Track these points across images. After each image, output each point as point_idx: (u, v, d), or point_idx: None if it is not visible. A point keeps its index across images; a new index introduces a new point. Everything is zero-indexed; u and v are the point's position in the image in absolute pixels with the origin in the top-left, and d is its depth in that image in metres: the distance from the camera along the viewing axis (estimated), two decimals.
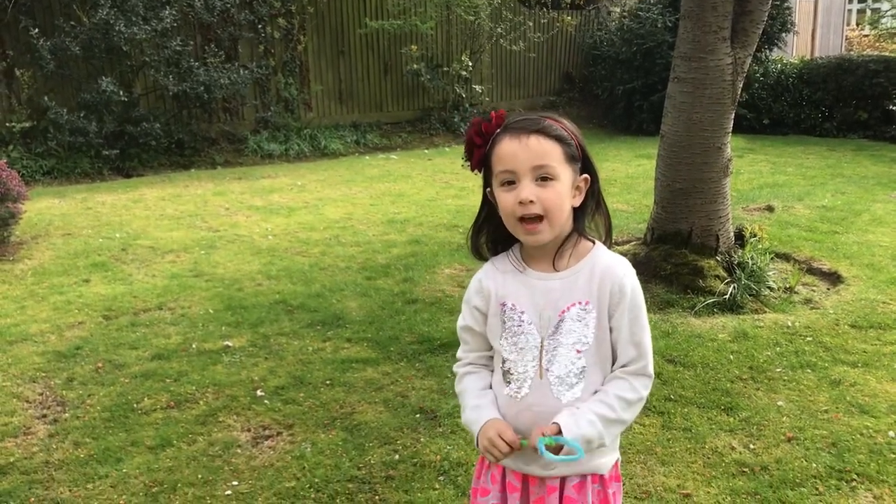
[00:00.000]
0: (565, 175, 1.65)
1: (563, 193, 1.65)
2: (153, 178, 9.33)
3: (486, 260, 1.82)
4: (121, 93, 9.23)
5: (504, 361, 1.76)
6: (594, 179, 1.73)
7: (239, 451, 3.17)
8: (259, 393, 3.66)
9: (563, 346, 1.70)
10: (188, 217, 7.15)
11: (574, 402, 1.69)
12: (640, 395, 1.70)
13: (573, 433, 1.61)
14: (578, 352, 1.70)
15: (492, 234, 1.80)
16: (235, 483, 2.95)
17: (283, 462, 3.08)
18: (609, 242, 1.79)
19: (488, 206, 1.77)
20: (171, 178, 9.23)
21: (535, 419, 1.69)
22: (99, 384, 3.76)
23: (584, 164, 1.71)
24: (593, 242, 1.75)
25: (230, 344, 4.23)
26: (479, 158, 1.71)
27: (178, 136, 10.18)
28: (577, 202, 1.71)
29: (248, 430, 3.34)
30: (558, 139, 1.65)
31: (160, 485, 2.94)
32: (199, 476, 2.99)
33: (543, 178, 1.63)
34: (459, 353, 1.90)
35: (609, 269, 1.70)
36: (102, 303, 4.87)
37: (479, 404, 1.77)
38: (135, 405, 3.56)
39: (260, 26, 10.97)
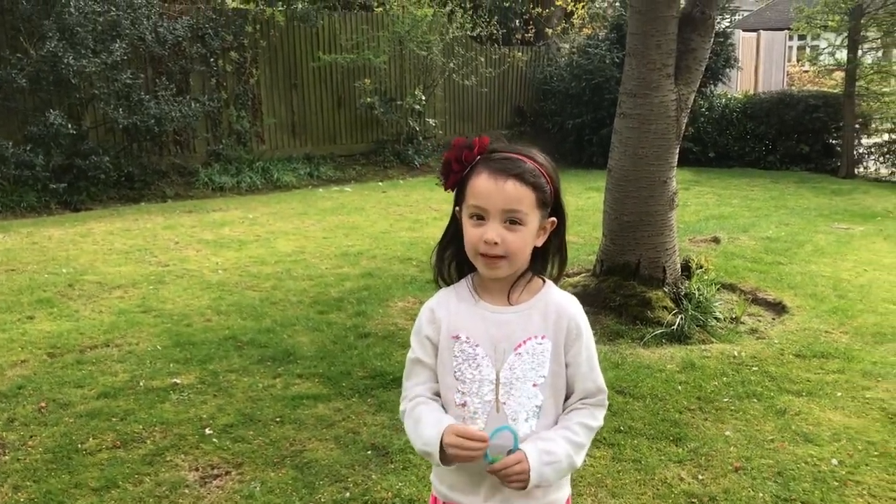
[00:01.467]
0: (533, 220, 1.68)
1: (528, 238, 1.68)
2: (102, 211, 9.19)
3: (447, 284, 1.81)
4: (69, 126, 9.10)
5: (458, 394, 1.74)
6: (561, 223, 1.76)
7: (186, 491, 3.11)
8: (207, 431, 3.60)
9: (519, 379, 1.71)
10: (137, 251, 7.05)
11: (529, 436, 1.70)
12: (598, 422, 1.76)
13: (536, 466, 1.61)
14: (535, 385, 1.71)
15: (456, 255, 1.80)
16: None
17: (232, 502, 3.03)
18: (559, 281, 1.82)
19: (456, 225, 1.78)
20: (120, 212, 9.09)
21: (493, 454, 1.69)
22: (42, 424, 3.67)
23: (554, 206, 1.73)
24: (544, 280, 1.78)
25: (178, 381, 4.16)
26: (455, 182, 1.72)
27: (127, 170, 10.06)
28: (540, 242, 1.73)
29: (196, 470, 3.28)
30: (534, 186, 1.66)
31: None
32: None
33: (512, 221, 1.65)
34: (406, 390, 1.82)
35: (564, 306, 1.74)
36: (47, 340, 4.76)
37: (440, 419, 1.69)
38: (79, 446, 3.47)
39: (212, 59, 10.95)
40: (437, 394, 1.80)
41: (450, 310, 1.76)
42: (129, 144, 10.21)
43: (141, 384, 4.12)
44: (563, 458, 1.66)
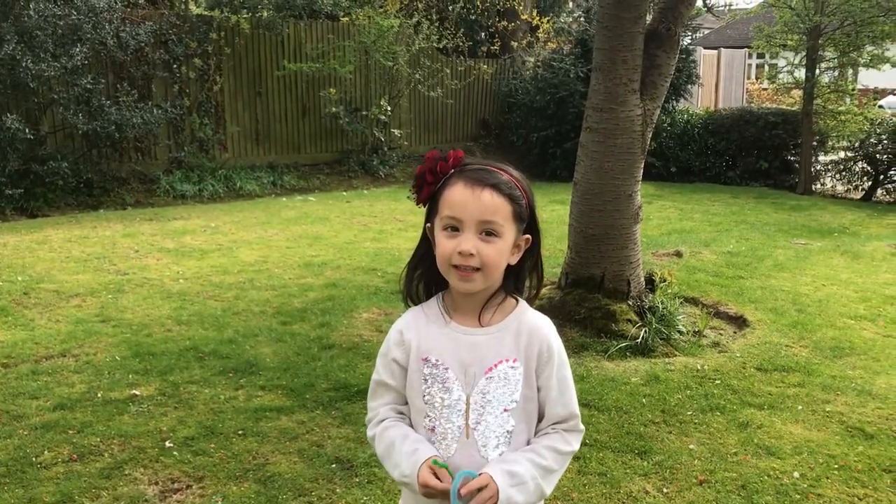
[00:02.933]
0: (509, 234, 1.65)
1: (503, 251, 1.64)
2: (59, 218, 9.00)
3: (416, 303, 1.77)
4: (26, 130, 8.89)
5: (427, 419, 1.70)
6: (536, 241, 1.73)
7: None
8: (168, 444, 3.53)
9: (490, 404, 1.67)
10: (95, 259, 6.91)
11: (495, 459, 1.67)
12: (572, 447, 1.72)
13: (503, 488, 1.58)
14: (506, 410, 1.68)
15: (426, 274, 1.76)
16: None
17: None
18: (534, 302, 1.79)
19: (427, 244, 1.74)
20: (78, 219, 8.92)
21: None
22: None
23: (529, 223, 1.70)
24: (517, 300, 1.75)
25: (137, 393, 4.08)
26: (428, 195, 1.69)
27: (87, 176, 9.87)
28: (514, 260, 1.70)
29: (156, 484, 3.21)
30: (511, 198, 1.64)
31: None
32: None
33: (488, 232, 1.62)
34: (370, 411, 1.78)
35: (536, 328, 1.71)
36: (1, 350, 4.63)
37: (417, 448, 1.66)
38: (34, 459, 3.37)
39: (175, 66, 10.82)
40: (403, 412, 1.76)
41: (419, 331, 1.72)
42: (89, 150, 10.02)
43: (99, 396, 4.03)
44: (529, 479, 1.63)
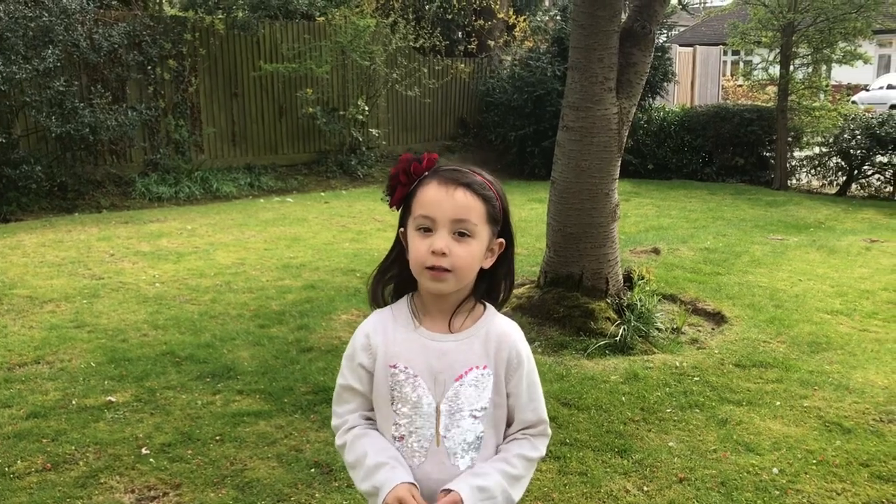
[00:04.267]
0: (483, 235, 1.63)
1: (477, 254, 1.62)
2: (33, 222, 8.88)
3: (380, 306, 1.74)
4: None
5: (396, 427, 1.67)
6: (509, 245, 1.71)
7: None
8: (144, 451, 3.48)
9: (461, 411, 1.66)
10: (70, 264, 6.83)
11: (464, 471, 1.66)
12: (540, 453, 1.72)
13: (468, 496, 1.58)
14: (475, 417, 1.66)
15: (397, 277, 1.73)
16: None
17: None
18: (502, 307, 1.77)
19: (399, 248, 1.72)
20: (52, 223, 8.80)
21: (433, 487, 1.64)
22: None
23: (503, 227, 1.68)
24: (485, 306, 1.73)
25: (113, 399, 4.02)
26: (401, 197, 1.67)
27: (60, 179, 9.76)
28: (488, 264, 1.68)
29: (132, 492, 3.17)
30: (484, 198, 1.62)
31: None
32: None
33: (461, 233, 1.60)
34: (337, 417, 1.75)
35: (505, 334, 1.69)
36: None
37: (392, 465, 1.63)
38: (6, 469, 3.31)
39: (149, 67, 10.72)
40: (370, 419, 1.74)
41: (387, 336, 1.69)
42: (63, 153, 9.90)
43: (73, 403, 3.97)
44: (499, 493, 1.63)
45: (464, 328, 1.68)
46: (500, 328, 1.70)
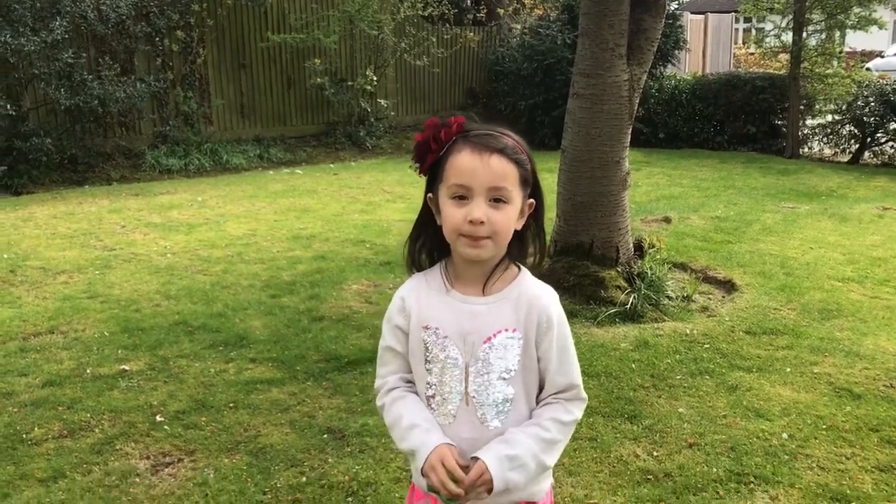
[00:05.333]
0: (517, 199, 1.62)
1: (513, 217, 1.62)
2: (44, 195, 8.92)
3: (420, 270, 1.75)
4: (8, 107, 8.78)
5: (428, 386, 1.70)
6: (539, 205, 1.71)
7: (137, 479, 3.04)
8: (158, 418, 3.52)
9: (489, 372, 1.66)
10: (82, 236, 6.86)
11: (500, 429, 1.67)
12: (574, 416, 1.71)
13: (499, 475, 1.59)
14: (504, 379, 1.67)
15: (428, 243, 1.74)
16: None
17: (185, 490, 2.97)
18: (540, 268, 1.77)
19: (428, 213, 1.71)
20: (63, 196, 8.84)
21: (464, 447, 1.66)
22: None
23: (533, 187, 1.68)
24: (519, 268, 1.73)
25: (127, 368, 4.07)
26: (431, 164, 1.65)
27: (70, 152, 9.78)
28: (520, 225, 1.67)
29: (147, 458, 3.21)
30: (517, 162, 1.61)
31: None
32: None
33: (497, 199, 1.59)
34: (380, 378, 1.79)
35: (536, 298, 1.68)
36: None
37: (427, 427, 1.66)
38: (24, 436, 3.36)
39: (157, 39, 10.67)
40: (411, 381, 1.77)
41: (420, 299, 1.71)
42: (72, 126, 9.91)
43: (88, 371, 4.02)
44: (530, 459, 1.63)
45: (495, 291, 1.69)
46: (532, 291, 1.69)
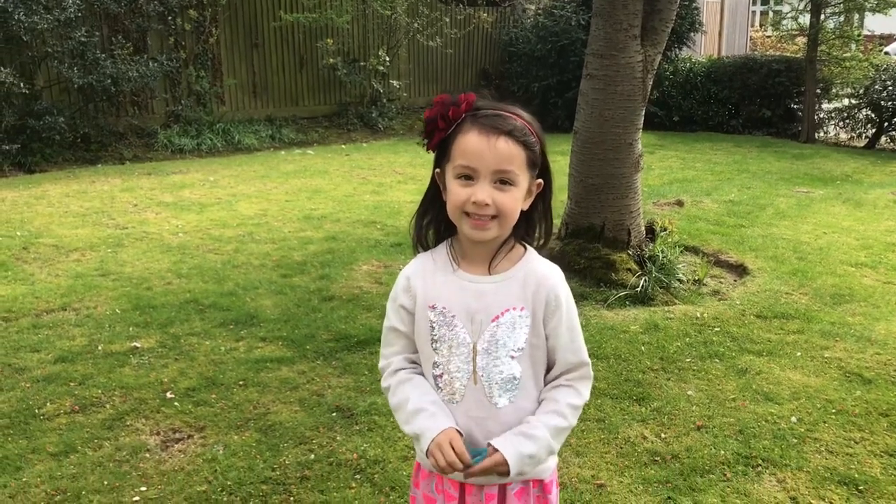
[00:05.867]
0: (523, 181, 1.61)
1: (518, 199, 1.61)
2: (57, 173, 8.96)
3: (425, 249, 1.75)
4: (21, 85, 8.79)
5: (435, 366, 1.70)
6: (547, 185, 1.69)
7: (147, 455, 3.07)
8: (169, 395, 3.55)
9: (497, 351, 1.66)
10: (94, 214, 6.89)
11: (508, 408, 1.68)
12: (585, 398, 1.72)
13: (516, 466, 1.60)
14: (512, 357, 1.67)
15: (435, 220, 1.73)
16: (144, 488, 2.85)
17: (194, 465, 2.99)
18: (544, 249, 1.76)
19: (436, 189, 1.70)
20: (76, 174, 8.87)
21: (472, 425, 1.67)
22: None
23: (541, 167, 1.66)
24: (525, 248, 1.72)
25: (138, 345, 4.09)
26: (438, 142, 1.64)
27: (83, 131, 9.80)
28: (527, 205, 1.66)
29: (158, 434, 3.24)
30: (525, 144, 1.59)
31: (63, 493, 2.81)
32: (106, 483, 2.88)
33: (503, 181, 1.58)
34: (384, 358, 1.79)
35: (544, 276, 1.68)
36: (2, 304, 4.64)
37: (434, 412, 1.66)
38: (36, 411, 3.40)
39: (170, 18, 10.66)
40: (415, 361, 1.77)
41: (426, 279, 1.71)
42: (85, 105, 9.93)
43: (99, 348, 4.04)
44: (544, 452, 1.65)
45: (502, 270, 1.68)
46: (539, 270, 1.69)
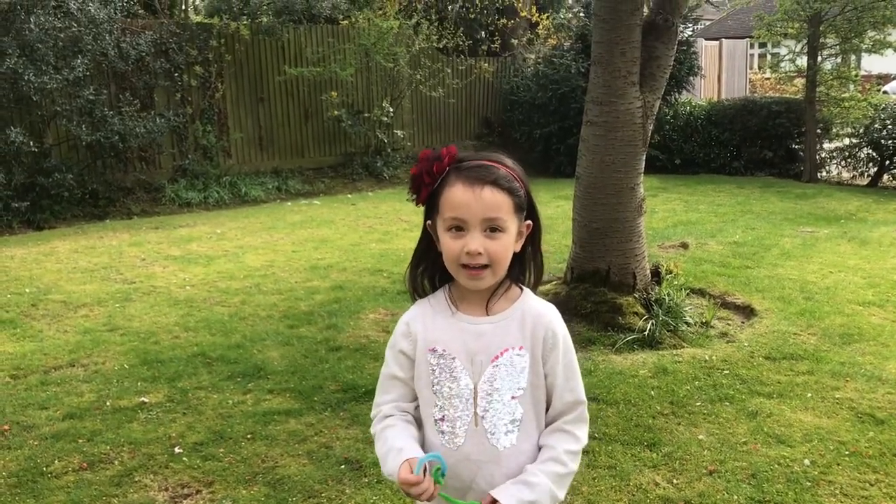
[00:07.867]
0: (512, 226, 1.65)
1: (509, 245, 1.66)
2: (66, 229, 9.04)
3: (422, 296, 1.78)
4: (31, 143, 8.93)
5: (436, 409, 1.72)
6: (536, 226, 1.73)
7: None
8: (177, 450, 3.54)
9: (497, 392, 1.68)
10: (102, 269, 6.94)
11: (510, 450, 1.68)
12: (583, 442, 1.73)
13: None
14: (514, 398, 1.68)
15: (430, 269, 1.77)
16: None
17: None
18: (536, 288, 1.79)
19: (428, 239, 1.74)
20: (84, 230, 8.95)
21: (474, 469, 1.67)
22: (5, 448, 3.58)
23: (528, 210, 1.71)
24: (521, 288, 1.76)
25: (146, 400, 4.09)
26: (426, 196, 1.69)
27: (92, 187, 9.91)
28: (518, 247, 1.70)
29: (166, 490, 3.22)
30: (510, 191, 1.64)
31: None
32: None
33: (492, 229, 1.62)
34: (375, 406, 1.80)
35: (540, 315, 1.71)
36: (10, 361, 4.66)
37: (402, 447, 1.66)
38: (44, 468, 3.39)
39: (176, 74, 10.85)
40: (406, 410, 1.78)
41: (426, 323, 1.73)
42: (93, 161, 10.06)
43: (108, 404, 4.04)
44: (546, 499, 1.65)
45: (500, 310, 1.72)
46: (536, 309, 1.72)
